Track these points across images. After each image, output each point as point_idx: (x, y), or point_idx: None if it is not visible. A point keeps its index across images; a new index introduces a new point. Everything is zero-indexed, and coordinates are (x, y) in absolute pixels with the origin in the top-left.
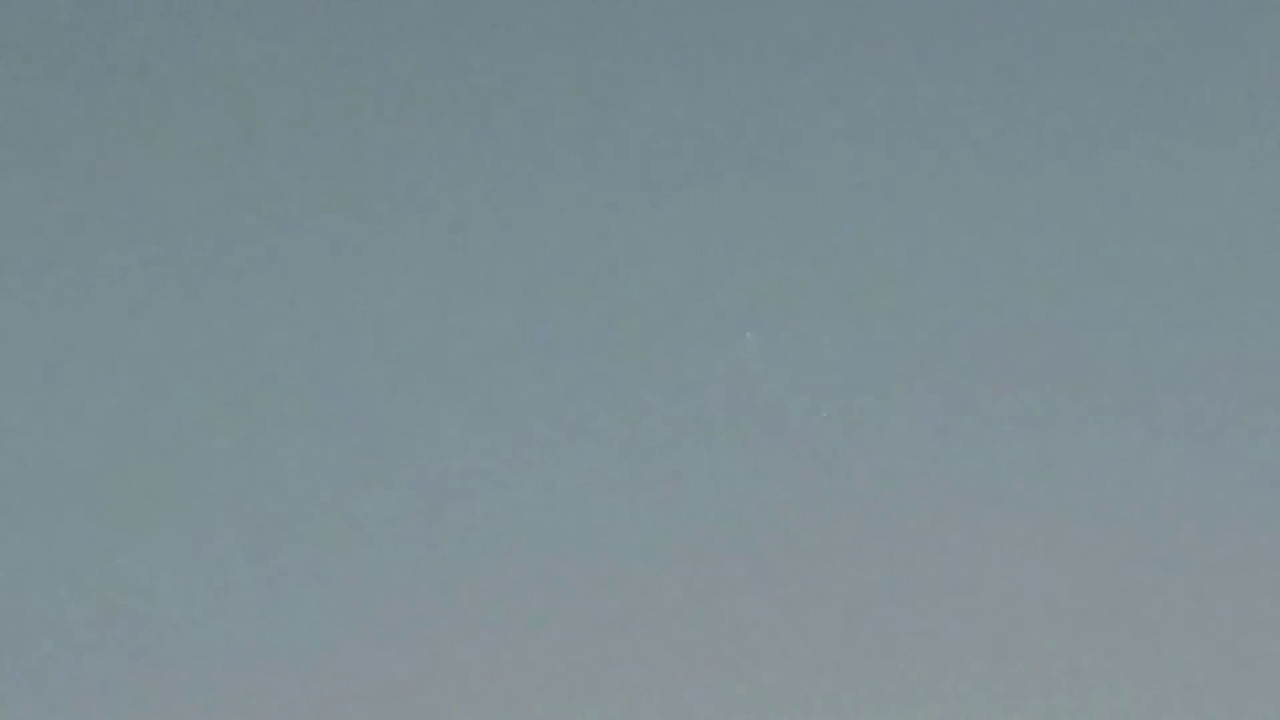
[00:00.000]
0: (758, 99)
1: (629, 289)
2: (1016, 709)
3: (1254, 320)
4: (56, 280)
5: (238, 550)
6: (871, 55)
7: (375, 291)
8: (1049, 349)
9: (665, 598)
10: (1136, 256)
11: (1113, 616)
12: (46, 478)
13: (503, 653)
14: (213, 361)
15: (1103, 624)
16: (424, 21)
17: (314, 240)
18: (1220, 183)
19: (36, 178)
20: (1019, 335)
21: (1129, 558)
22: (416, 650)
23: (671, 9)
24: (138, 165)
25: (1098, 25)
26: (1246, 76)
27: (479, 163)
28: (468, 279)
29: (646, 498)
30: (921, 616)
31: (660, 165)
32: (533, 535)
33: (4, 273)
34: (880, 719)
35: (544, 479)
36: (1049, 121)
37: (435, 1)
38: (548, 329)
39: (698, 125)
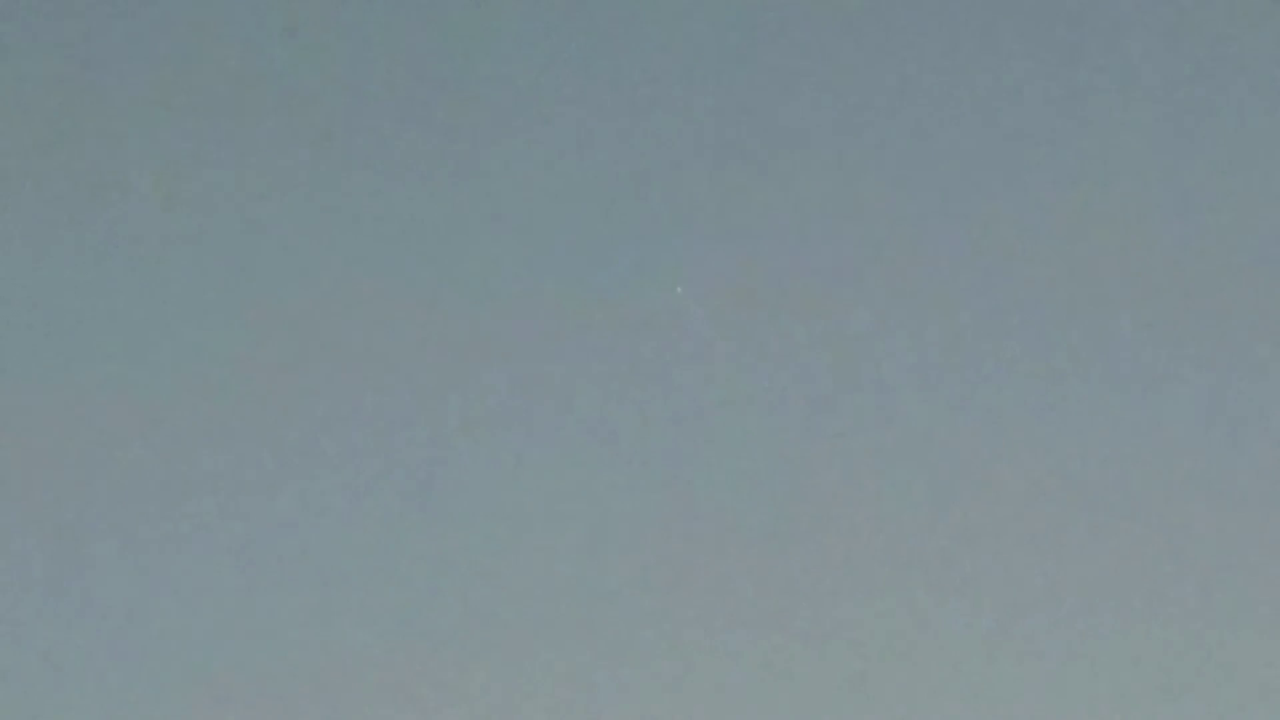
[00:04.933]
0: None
1: (559, 241)
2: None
3: (1255, 314)
4: (52, 279)
5: (235, 549)
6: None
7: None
8: (1003, 311)
9: (595, 565)
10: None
11: (1098, 613)
12: (43, 477)
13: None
14: (211, 359)
15: (1089, 621)
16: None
17: (310, 236)
18: (1219, 179)
19: (35, 175)
20: (961, 292)
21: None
22: (395, 650)
23: None
24: (134, 162)
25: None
26: (1247, 76)
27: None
28: (391, 232)
29: (573, 458)
30: (856, 585)
31: (586, 114)
32: (454, 498)
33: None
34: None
35: (468, 436)
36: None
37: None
38: (472, 282)
39: (623, 76)
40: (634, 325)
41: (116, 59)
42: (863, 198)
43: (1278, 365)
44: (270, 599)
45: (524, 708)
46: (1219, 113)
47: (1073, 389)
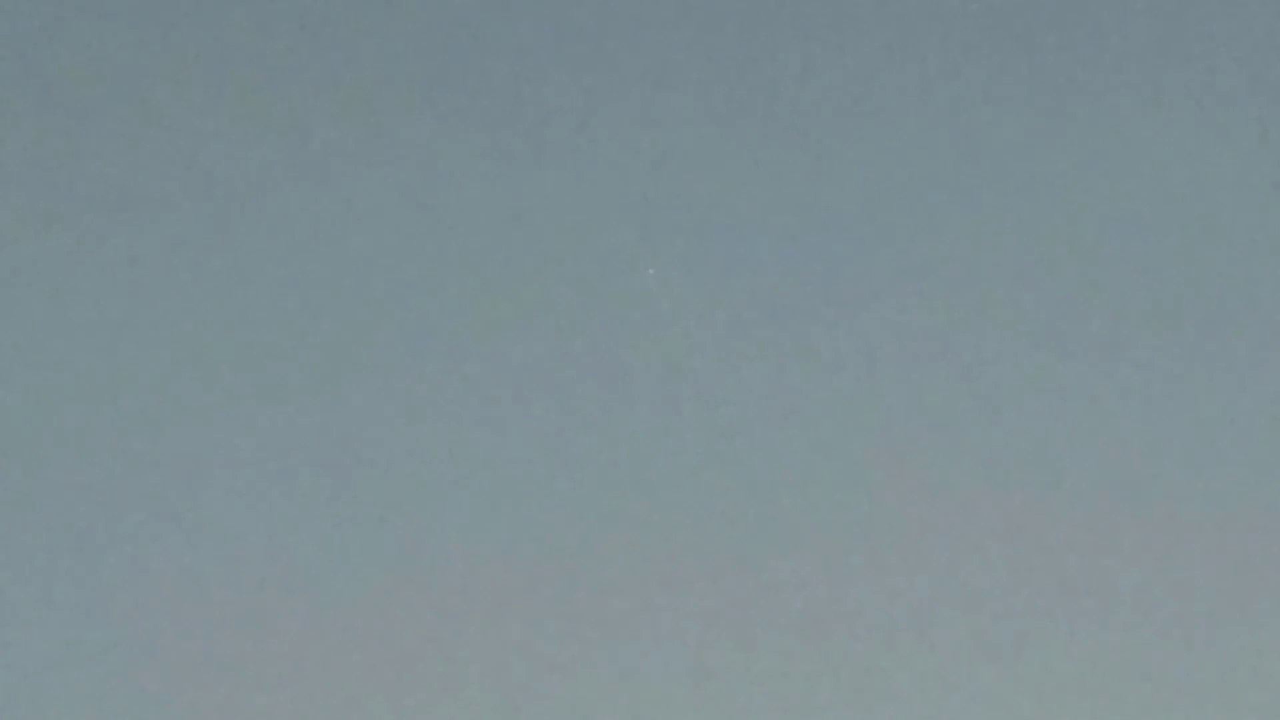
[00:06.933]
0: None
1: (526, 220)
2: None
3: (1254, 312)
4: (53, 277)
5: (232, 549)
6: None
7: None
8: (982, 301)
9: (556, 556)
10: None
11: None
12: (44, 474)
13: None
14: (211, 358)
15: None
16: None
17: (309, 233)
18: (1218, 179)
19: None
20: (946, 277)
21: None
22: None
23: None
24: (136, 162)
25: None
26: (1246, 76)
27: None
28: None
29: (542, 445)
30: (826, 575)
31: (565, 98)
32: (417, 482)
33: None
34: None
35: (432, 422)
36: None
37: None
38: (441, 263)
39: (600, 60)
40: (606, 306)
41: (117, 58)
42: (844, 183)
43: (1277, 365)
44: (268, 597)
45: (523, 707)
46: (1218, 113)
47: (1072, 389)
